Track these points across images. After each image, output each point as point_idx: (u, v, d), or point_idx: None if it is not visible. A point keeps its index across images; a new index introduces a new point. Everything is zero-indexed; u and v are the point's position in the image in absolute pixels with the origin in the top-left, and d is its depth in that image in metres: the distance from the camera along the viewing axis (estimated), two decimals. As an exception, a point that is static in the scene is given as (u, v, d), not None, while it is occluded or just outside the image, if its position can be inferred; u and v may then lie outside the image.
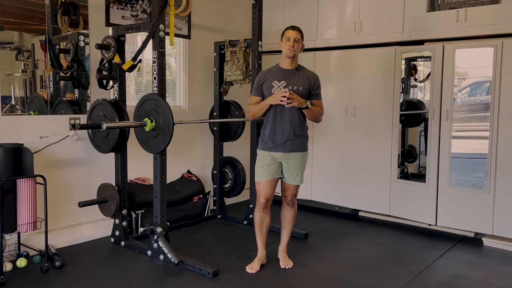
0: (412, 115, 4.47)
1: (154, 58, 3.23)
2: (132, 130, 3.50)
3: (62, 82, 3.70)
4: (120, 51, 3.49)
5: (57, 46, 3.61)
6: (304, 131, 3.16)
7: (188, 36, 4.62)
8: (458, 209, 3.88)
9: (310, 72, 3.19)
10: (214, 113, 4.48)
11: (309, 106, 3.05)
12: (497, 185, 3.70)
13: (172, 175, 4.46)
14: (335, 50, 4.60)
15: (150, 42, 3.25)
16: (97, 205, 3.63)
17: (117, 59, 3.46)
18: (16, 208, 3.06)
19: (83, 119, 3.71)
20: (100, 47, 3.47)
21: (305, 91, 3.09)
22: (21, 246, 3.28)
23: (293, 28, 3.11)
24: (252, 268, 3.17)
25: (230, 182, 4.53)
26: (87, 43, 3.72)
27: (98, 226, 3.85)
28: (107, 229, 3.82)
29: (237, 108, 4.43)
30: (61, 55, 3.64)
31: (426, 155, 4.07)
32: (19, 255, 3.20)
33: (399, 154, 4.31)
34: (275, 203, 3.39)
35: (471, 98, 4.10)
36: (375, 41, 4.30)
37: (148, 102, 3.22)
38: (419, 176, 4.34)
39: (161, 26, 3.19)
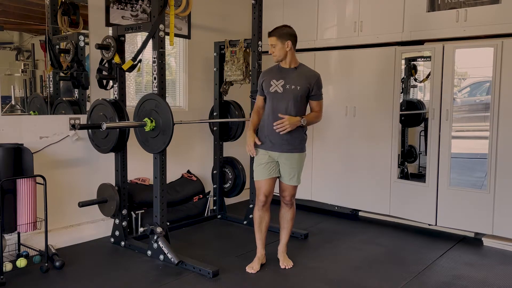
0: (412, 115, 4.47)
1: (154, 58, 3.23)
2: (132, 130, 3.50)
3: (62, 83, 3.70)
4: (120, 51, 3.49)
5: (57, 46, 3.61)
6: (302, 131, 3.14)
7: (188, 36, 4.62)
8: (458, 209, 3.88)
9: (311, 71, 3.15)
10: (214, 113, 4.48)
11: (304, 124, 3.04)
12: (497, 185, 3.70)
13: (172, 175, 4.46)
14: (335, 50, 4.60)
15: (150, 42, 3.25)
16: (97, 205, 3.63)
17: (117, 59, 3.46)
18: (16, 208, 3.06)
19: (83, 119, 3.71)
20: (100, 47, 3.47)
21: (303, 91, 3.06)
22: (21, 246, 3.27)
23: (269, 34, 3.10)
24: (252, 268, 3.17)
25: (230, 182, 4.53)
26: (87, 43, 3.72)
27: (98, 226, 3.85)
28: (107, 229, 3.82)
29: (237, 108, 4.43)
30: (61, 55, 3.64)
31: (426, 155, 4.07)
32: (19, 255, 3.19)
33: (399, 154, 4.31)
34: (275, 203, 3.39)
35: (471, 98, 4.10)
36: (375, 41, 4.30)
37: (148, 102, 3.22)
38: (419, 176, 4.34)
39: (161, 26, 3.19)
